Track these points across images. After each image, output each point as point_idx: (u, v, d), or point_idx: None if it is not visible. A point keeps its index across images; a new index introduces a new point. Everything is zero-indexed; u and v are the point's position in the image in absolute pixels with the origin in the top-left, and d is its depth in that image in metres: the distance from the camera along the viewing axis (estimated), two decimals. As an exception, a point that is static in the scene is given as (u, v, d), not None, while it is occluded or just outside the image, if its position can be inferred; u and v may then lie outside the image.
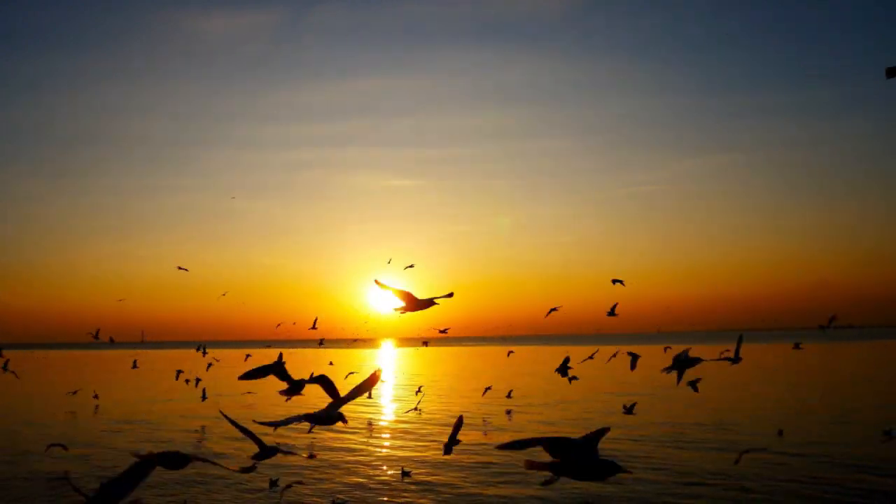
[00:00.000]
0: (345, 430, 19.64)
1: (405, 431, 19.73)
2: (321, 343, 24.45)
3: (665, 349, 28.29)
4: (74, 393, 28.53)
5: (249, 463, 4.61)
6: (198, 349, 24.70)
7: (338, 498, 11.20)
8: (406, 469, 13.63)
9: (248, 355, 26.31)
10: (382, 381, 31.36)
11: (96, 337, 17.43)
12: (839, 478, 12.45)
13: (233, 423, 4.08)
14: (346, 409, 4.12)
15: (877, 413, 20.41)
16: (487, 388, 25.30)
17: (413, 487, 12.59)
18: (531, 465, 3.14)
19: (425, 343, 27.92)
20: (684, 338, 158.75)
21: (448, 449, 5.85)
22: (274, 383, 4.95)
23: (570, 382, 13.43)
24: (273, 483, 11.64)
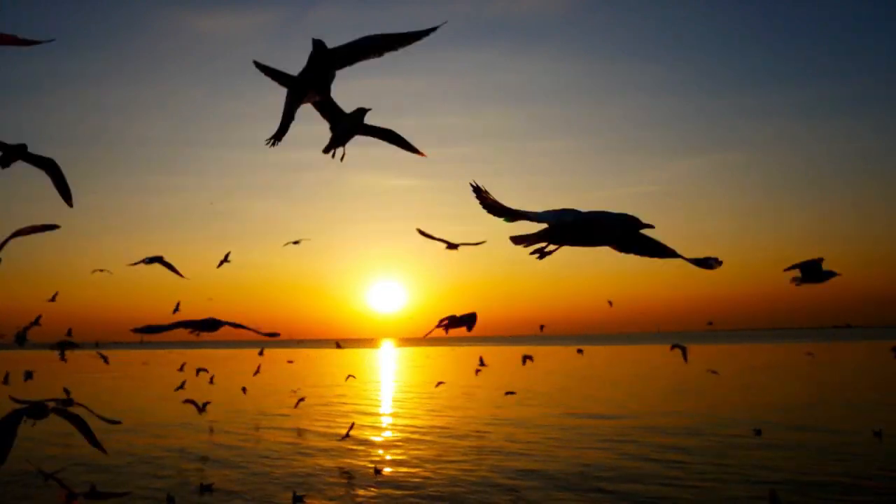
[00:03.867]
0: (319, 427, 19.76)
1: (381, 430, 19.94)
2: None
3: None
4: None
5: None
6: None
7: (298, 493, 11.33)
8: (378, 467, 13.67)
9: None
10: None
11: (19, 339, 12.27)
12: (811, 477, 12.53)
13: None
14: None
15: (869, 414, 20.49)
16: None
17: (386, 485, 12.70)
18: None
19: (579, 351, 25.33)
20: (684, 338, 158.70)
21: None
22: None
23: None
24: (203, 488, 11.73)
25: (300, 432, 19.35)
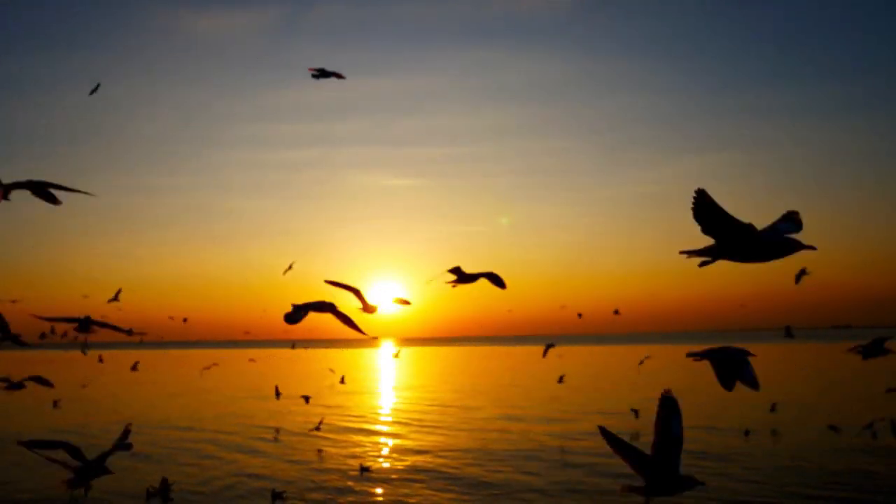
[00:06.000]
0: (302, 425, 19.75)
1: (369, 428, 19.96)
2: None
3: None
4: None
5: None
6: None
7: (277, 490, 11.35)
8: (365, 465, 13.64)
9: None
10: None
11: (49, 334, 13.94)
12: (795, 478, 12.51)
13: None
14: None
15: (861, 415, 20.45)
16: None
17: (370, 484, 12.70)
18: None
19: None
20: (684, 338, 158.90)
21: None
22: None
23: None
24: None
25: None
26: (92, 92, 9.30)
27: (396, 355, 28.22)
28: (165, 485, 11.44)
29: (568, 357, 57.26)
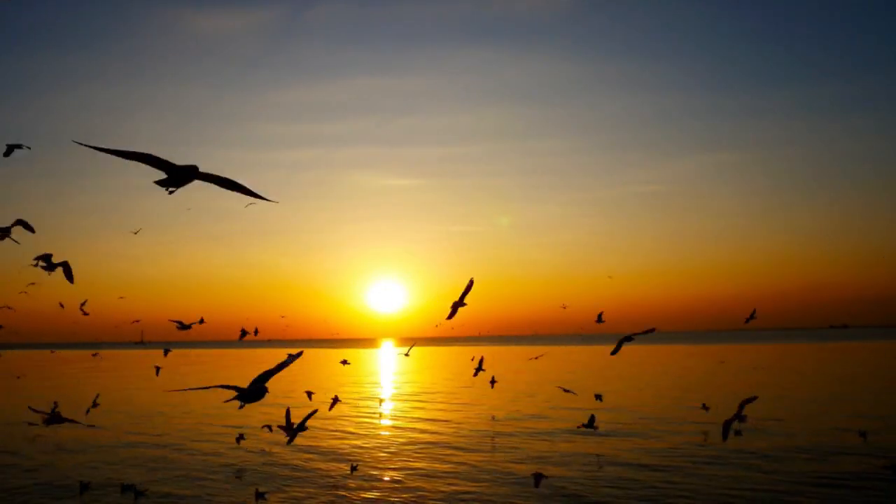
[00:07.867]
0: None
1: (358, 427, 20.19)
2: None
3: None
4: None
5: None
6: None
7: (260, 490, 11.49)
8: (355, 464, 13.70)
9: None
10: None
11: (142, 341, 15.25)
12: (784, 478, 12.58)
13: None
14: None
15: (855, 415, 20.49)
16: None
17: (360, 482, 12.78)
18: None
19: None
20: (683, 337, 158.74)
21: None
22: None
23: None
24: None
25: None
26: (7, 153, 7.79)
27: (406, 354, 28.54)
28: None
29: (550, 356, 57.11)
